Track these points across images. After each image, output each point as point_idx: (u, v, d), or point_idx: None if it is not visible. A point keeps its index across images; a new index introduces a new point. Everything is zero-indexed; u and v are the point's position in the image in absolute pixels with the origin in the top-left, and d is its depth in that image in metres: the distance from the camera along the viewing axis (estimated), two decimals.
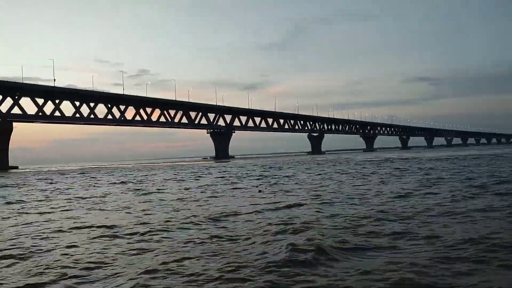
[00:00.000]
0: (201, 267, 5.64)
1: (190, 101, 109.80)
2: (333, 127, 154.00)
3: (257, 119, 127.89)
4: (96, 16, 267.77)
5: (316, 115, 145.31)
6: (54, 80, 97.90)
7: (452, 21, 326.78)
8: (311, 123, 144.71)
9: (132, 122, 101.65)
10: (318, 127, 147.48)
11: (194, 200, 13.89)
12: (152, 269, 5.65)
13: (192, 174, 34.30)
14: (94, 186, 23.82)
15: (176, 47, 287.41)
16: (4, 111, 79.03)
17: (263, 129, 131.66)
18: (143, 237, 7.94)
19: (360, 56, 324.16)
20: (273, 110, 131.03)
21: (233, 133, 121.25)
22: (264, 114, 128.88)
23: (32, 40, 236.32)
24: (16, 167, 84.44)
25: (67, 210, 12.85)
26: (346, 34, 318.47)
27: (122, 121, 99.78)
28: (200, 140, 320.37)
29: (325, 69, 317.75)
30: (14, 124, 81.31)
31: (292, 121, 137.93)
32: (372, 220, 8.72)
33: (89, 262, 6.19)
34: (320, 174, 25.79)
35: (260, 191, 15.81)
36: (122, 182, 26.20)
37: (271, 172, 32.06)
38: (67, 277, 5.52)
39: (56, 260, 6.35)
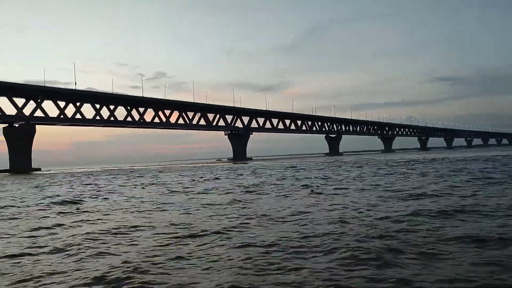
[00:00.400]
0: (317, 264, 5.53)
1: (207, 103, 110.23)
2: (351, 128, 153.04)
3: (275, 121, 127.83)
4: (110, 18, 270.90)
5: (334, 116, 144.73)
6: (75, 83, 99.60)
7: (471, 20, 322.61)
8: (328, 124, 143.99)
9: (151, 124, 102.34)
10: (335, 128, 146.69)
11: (248, 201, 13.74)
12: (262, 264, 5.59)
13: (223, 175, 34.23)
14: (134, 187, 23.87)
15: (192, 50, 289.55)
16: (27, 114, 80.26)
17: (280, 131, 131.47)
18: (224, 236, 7.85)
19: (378, 57, 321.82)
20: (291, 112, 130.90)
21: (250, 135, 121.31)
22: (281, 116, 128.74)
23: (53, 43, 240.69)
24: (39, 169, 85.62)
25: (122, 209, 12.87)
26: (363, 35, 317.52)
27: (142, 123, 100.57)
28: (215, 142, 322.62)
29: (343, 69, 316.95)
30: None
31: (309, 122, 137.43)
32: (455, 220, 8.54)
33: (189, 259, 6.14)
34: (360, 176, 25.35)
35: (312, 191, 15.66)
36: (158, 184, 26.24)
37: (301, 173, 31.86)
38: (177, 274, 5.46)
39: (154, 256, 6.31)
